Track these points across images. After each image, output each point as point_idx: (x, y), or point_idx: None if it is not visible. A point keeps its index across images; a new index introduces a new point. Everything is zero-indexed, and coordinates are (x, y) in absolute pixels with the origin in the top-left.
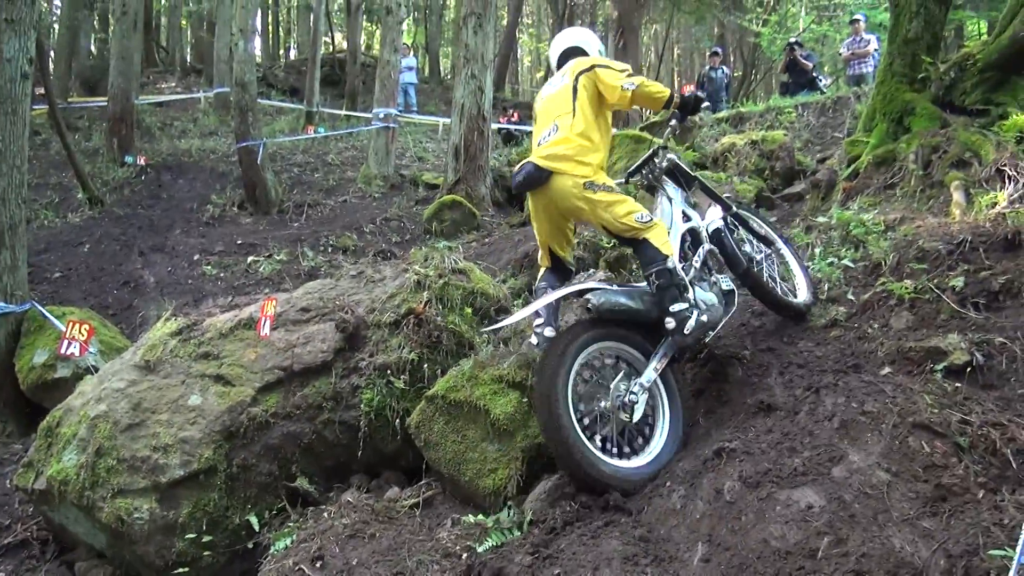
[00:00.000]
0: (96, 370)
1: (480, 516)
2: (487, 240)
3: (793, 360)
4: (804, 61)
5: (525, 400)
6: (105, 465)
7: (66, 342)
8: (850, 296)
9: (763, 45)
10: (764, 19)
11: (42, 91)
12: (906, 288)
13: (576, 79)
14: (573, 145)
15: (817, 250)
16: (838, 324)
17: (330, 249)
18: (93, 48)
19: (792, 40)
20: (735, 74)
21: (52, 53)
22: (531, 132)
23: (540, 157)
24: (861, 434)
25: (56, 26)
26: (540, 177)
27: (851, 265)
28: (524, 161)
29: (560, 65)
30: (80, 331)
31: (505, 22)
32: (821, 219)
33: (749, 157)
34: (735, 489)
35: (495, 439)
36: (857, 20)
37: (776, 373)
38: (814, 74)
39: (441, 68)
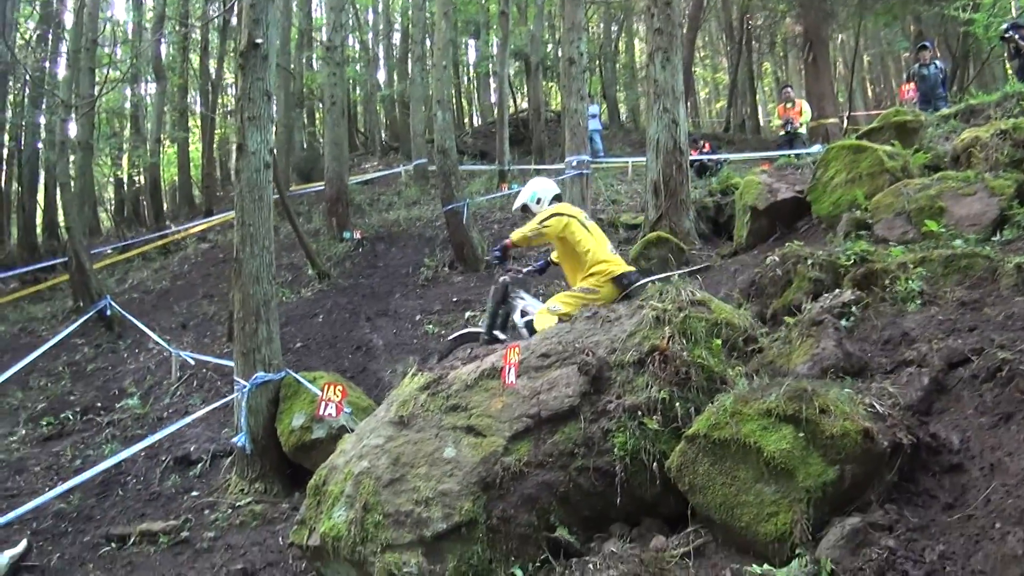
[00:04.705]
0: (351, 430)
1: (766, 566)
2: (699, 273)
3: None
4: None
5: (802, 435)
6: (372, 520)
7: (323, 404)
8: None
9: (978, 32)
10: (975, 4)
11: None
12: None
13: None
14: None
15: None
16: None
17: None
18: (303, 141)
19: (1006, 26)
20: None
21: (274, 150)
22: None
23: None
24: None
25: (275, 123)
26: None
27: None
28: (629, 271)
29: (554, 200)
30: (335, 392)
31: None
32: None
33: (1000, 149)
34: None
35: (771, 480)
36: None
37: None
38: None
39: (620, 112)
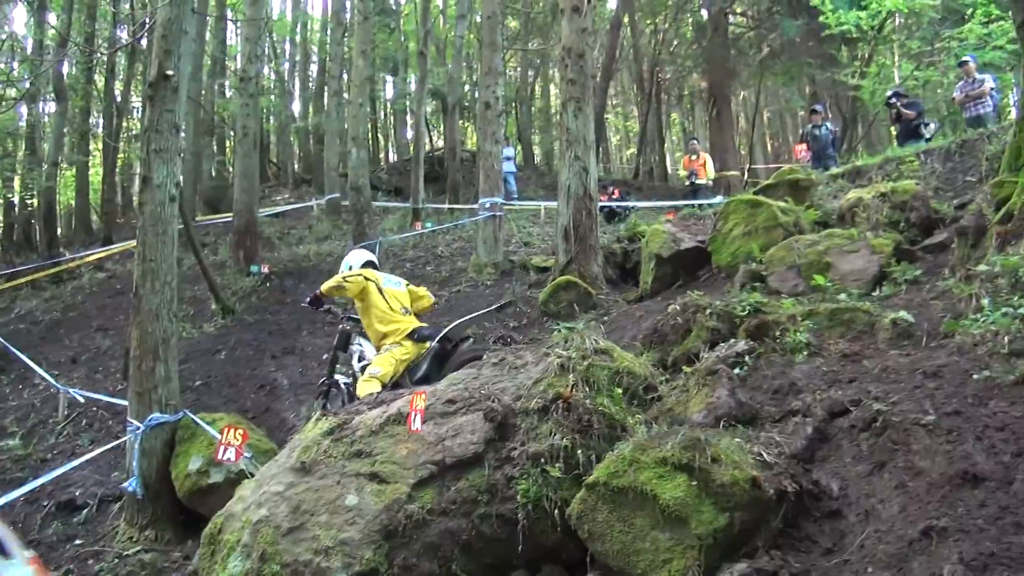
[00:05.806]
0: (251, 474)
1: None
2: (605, 318)
3: (989, 423)
4: (906, 111)
5: (695, 483)
6: (270, 571)
7: (222, 447)
8: None
9: (864, 98)
10: (862, 71)
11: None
12: None
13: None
14: None
15: (984, 301)
16: None
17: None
18: (212, 170)
19: (889, 93)
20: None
21: (180, 178)
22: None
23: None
24: None
25: (183, 154)
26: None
27: None
28: (420, 327)
29: (366, 266)
30: (235, 436)
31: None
32: (982, 268)
33: (880, 210)
34: (958, 574)
35: (666, 527)
36: (966, 62)
37: (972, 439)
38: (916, 122)
39: (534, 155)
